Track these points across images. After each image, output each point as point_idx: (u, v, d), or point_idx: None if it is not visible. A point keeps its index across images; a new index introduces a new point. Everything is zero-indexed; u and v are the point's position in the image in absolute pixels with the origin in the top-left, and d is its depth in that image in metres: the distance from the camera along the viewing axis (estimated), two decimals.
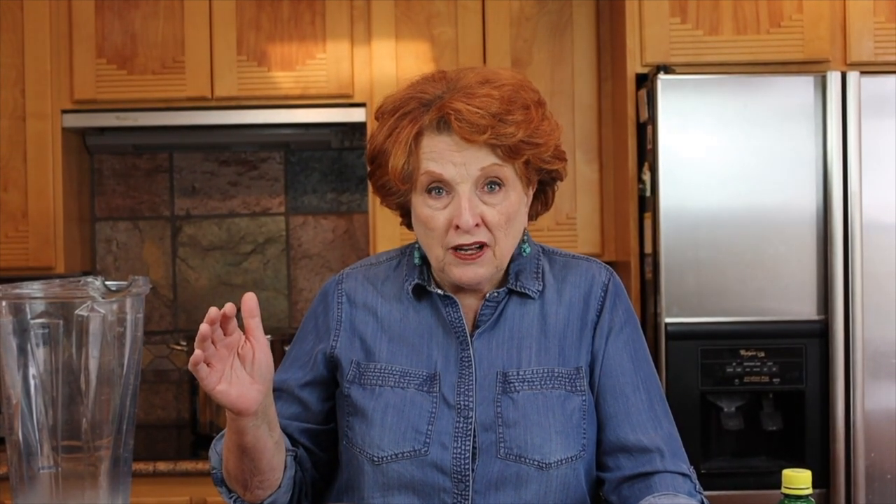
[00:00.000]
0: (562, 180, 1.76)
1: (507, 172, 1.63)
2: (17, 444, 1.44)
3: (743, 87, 2.97)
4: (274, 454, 1.61)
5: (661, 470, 1.66)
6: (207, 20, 3.39)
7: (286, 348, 3.47)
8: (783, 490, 1.41)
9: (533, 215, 1.78)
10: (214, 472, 1.70)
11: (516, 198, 1.66)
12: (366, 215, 3.73)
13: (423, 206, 1.65)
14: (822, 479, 2.93)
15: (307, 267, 3.81)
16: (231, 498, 1.68)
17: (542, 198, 1.78)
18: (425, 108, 1.63)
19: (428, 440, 1.65)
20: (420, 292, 1.74)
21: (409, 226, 1.76)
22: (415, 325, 1.73)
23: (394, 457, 1.66)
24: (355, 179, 3.79)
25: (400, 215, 1.78)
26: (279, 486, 1.65)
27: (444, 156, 1.62)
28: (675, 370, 2.94)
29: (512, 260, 1.73)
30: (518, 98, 1.63)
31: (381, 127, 1.68)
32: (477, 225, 1.62)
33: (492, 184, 1.63)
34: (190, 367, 1.44)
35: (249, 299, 1.48)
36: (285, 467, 1.66)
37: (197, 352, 1.44)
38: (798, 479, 1.39)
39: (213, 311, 1.44)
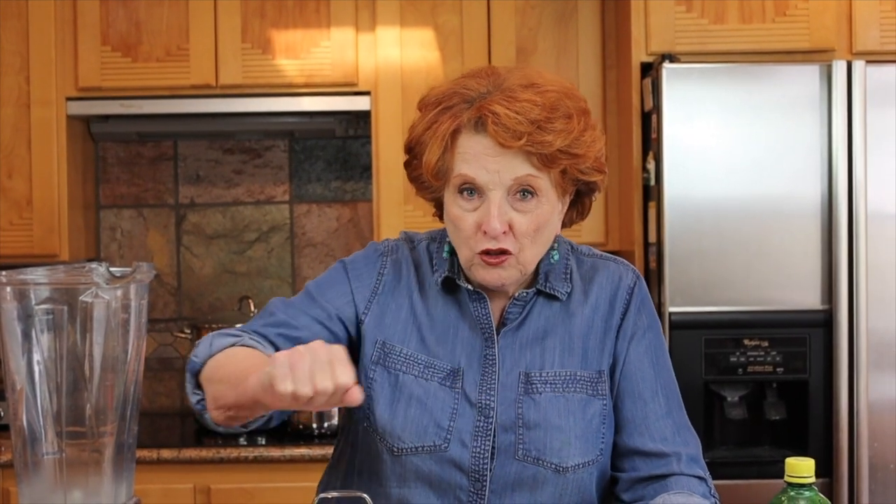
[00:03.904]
0: (600, 191, 1.73)
1: (542, 182, 1.60)
2: (22, 430, 1.44)
3: (748, 77, 2.97)
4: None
5: (678, 472, 1.67)
6: (212, 8, 3.39)
7: None
8: (786, 479, 1.41)
9: (567, 223, 1.74)
10: (195, 360, 1.63)
11: (549, 208, 1.63)
12: (370, 204, 3.73)
13: (454, 206, 1.63)
14: (825, 469, 2.93)
15: (311, 255, 3.81)
16: (196, 396, 1.62)
17: (578, 206, 1.74)
18: (467, 104, 1.60)
19: (449, 436, 1.65)
20: (449, 285, 1.73)
21: (442, 218, 1.74)
22: (442, 317, 1.72)
23: (413, 449, 1.65)
24: (360, 168, 3.79)
25: (434, 206, 1.76)
26: (246, 425, 1.60)
27: (478, 159, 1.59)
28: (678, 360, 2.93)
29: (542, 260, 1.72)
30: (561, 106, 1.59)
31: (422, 118, 1.65)
32: (504, 232, 1.60)
33: (525, 191, 1.60)
34: (287, 390, 1.34)
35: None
36: None
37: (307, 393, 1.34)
38: (801, 468, 1.40)
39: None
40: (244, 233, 3.82)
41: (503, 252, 1.61)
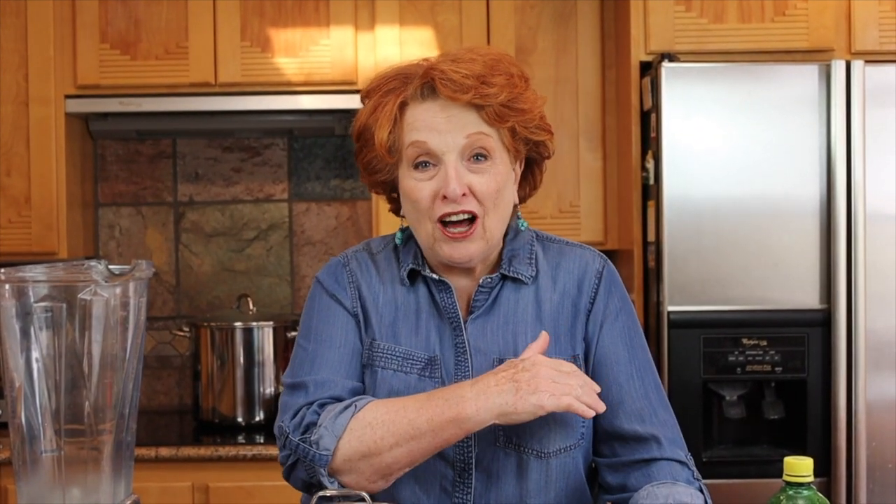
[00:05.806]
0: (549, 157, 1.76)
1: (494, 143, 1.64)
2: (20, 427, 1.44)
3: (747, 76, 2.97)
4: None
5: (658, 458, 1.66)
6: (211, 5, 3.39)
7: (289, 335, 3.47)
8: (784, 478, 1.41)
9: (522, 197, 1.78)
10: (324, 453, 1.59)
11: (504, 169, 1.66)
12: (369, 202, 3.73)
13: (409, 179, 1.66)
14: (824, 468, 2.93)
15: (310, 254, 3.81)
16: (333, 485, 1.61)
17: (529, 178, 1.78)
18: (408, 80, 1.66)
19: None
20: (414, 276, 1.74)
21: (397, 212, 1.77)
22: (414, 308, 1.73)
23: None
24: None
25: (388, 201, 1.78)
26: None
27: (428, 124, 1.63)
28: (677, 359, 2.94)
29: (505, 244, 1.74)
30: (501, 65, 1.64)
31: (366, 106, 1.70)
32: (464, 195, 1.62)
33: (478, 155, 1.64)
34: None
35: None
36: None
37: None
38: (799, 467, 1.40)
39: None
40: (243, 231, 3.82)
41: (473, 218, 1.63)
